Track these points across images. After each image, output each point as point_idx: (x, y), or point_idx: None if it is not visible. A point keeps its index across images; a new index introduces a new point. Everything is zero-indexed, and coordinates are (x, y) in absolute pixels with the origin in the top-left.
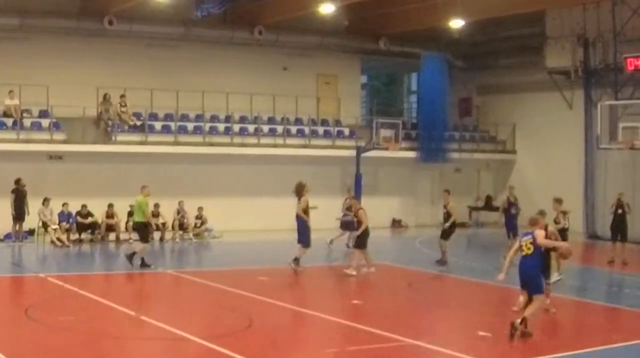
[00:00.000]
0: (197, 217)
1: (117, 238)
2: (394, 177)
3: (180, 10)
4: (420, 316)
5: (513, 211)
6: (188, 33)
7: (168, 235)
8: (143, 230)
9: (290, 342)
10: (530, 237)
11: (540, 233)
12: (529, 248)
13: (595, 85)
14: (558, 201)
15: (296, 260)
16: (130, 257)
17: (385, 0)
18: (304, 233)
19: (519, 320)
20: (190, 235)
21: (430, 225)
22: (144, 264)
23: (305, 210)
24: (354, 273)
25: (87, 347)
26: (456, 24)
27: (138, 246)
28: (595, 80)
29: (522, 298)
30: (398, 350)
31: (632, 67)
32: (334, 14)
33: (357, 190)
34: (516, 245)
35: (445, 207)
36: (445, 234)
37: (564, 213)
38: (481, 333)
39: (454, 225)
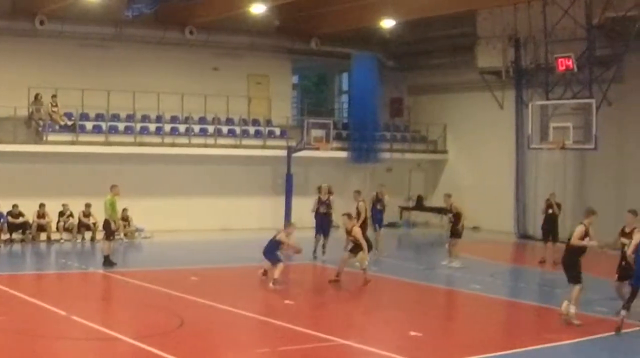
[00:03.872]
0: (122, 218)
1: (48, 238)
2: (325, 177)
3: (111, 10)
4: (352, 316)
5: (379, 206)
6: (119, 33)
7: (99, 235)
8: (108, 228)
9: (221, 342)
10: None
11: None
12: None
13: (526, 85)
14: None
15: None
16: (107, 258)
17: (316, 0)
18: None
19: None
20: (121, 235)
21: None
22: (108, 262)
23: None
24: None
25: (18, 347)
26: (387, 24)
27: (104, 245)
28: (526, 80)
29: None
30: (328, 350)
31: (563, 67)
32: (265, 14)
33: (288, 190)
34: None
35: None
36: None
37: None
38: (412, 333)
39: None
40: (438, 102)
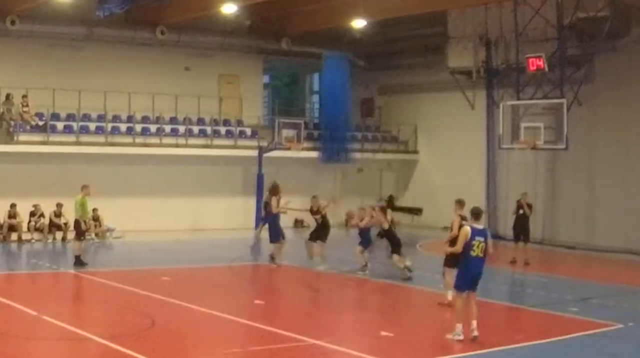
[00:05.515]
0: (93, 218)
1: (19, 238)
2: (296, 177)
3: (82, 10)
4: (323, 316)
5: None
6: (90, 33)
7: (70, 235)
8: (78, 228)
9: (192, 342)
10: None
11: None
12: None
13: (497, 85)
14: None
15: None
16: (78, 258)
17: (287, 0)
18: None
19: None
20: (92, 235)
21: (332, 226)
22: (79, 262)
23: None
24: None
25: None
26: (358, 24)
27: (75, 245)
28: (497, 81)
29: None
30: (299, 350)
31: (534, 67)
32: (236, 14)
33: (259, 190)
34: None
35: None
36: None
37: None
38: (383, 333)
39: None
40: (409, 102)
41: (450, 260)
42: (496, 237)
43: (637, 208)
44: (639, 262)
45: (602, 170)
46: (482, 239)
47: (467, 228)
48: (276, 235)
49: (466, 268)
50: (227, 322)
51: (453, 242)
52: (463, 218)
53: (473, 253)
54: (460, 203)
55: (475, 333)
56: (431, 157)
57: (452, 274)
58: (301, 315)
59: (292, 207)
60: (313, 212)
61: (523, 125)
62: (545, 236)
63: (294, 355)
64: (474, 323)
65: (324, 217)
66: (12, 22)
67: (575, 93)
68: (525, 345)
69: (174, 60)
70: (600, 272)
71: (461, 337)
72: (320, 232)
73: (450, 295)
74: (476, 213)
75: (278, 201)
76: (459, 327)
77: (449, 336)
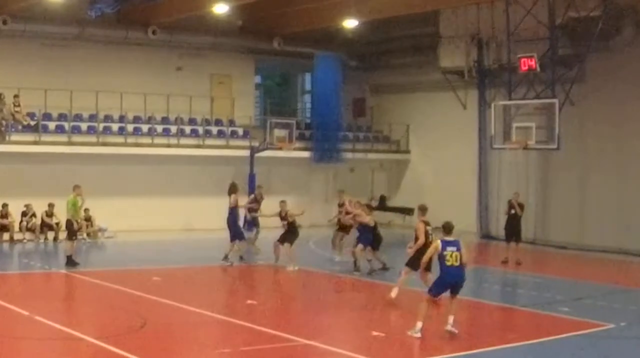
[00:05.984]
0: (85, 218)
1: (11, 238)
2: (288, 177)
3: (74, 10)
4: (315, 316)
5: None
6: (82, 33)
7: (62, 235)
8: (70, 227)
9: (184, 342)
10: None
11: None
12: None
13: (489, 85)
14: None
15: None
16: (70, 258)
17: (279, 0)
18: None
19: None
20: (84, 235)
21: (324, 226)
22: (70, 262)
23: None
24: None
25: None
26: (350, 24)
27: (67, 245)
28: (489, 80)
29: None
30: (291, 350)
31: (526, 67)
32: (227, 14)
33: (251, 190)
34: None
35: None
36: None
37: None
38: (375, 333)
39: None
40: (401, 102)
41: (413, 263)
42: (488, 237)
43: (628, 208)
44: (631, 261)
45: (594, 170)
46: (454, 249)
47: (437, 242)
48: (237, 234)
49: (442, 277)
50: (218, 322)
51: (421, 250)
52: (426, 223)
53: (448, 263)
54: (422, 209)
55: (450, 328)
56: (423, 157)
57: (410, 274)
58: (293, 315)
59: (265, 214)
60: (281, 217)
61: (515, 125)
62: (537, 236)
63: (285, 355)
64: (451, 318)
65: (291, 224)
66: (4, 22)
67: (567, 93)
68: (517, 345)
69: (165, 60)
70: (592, 272)
71: (419, 335)
72: (288, 236)
73: (394, 292)
74: (447, 229)
75: (236, 200)
76: (419, 325)
77: (409, 332)
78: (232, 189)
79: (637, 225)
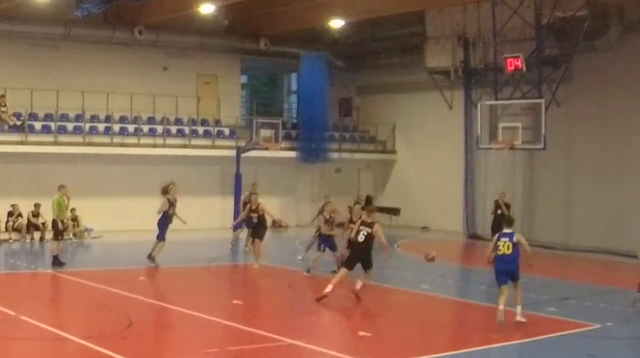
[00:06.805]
0: (71, 218)
1: None
2: (274, 177)
3: (60, 10)
4: (301, 317)
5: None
6: (68, 33)
7: (48, 235)
8: (55, 227)
9: (170, 342)
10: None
11: None
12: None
13: (475, 85)
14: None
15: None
16: (56, 258)
17: (265, 0)
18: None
19: None
20: (70, 235)
21: (311, 226)
22: (56, 262)
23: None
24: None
25: None
26: (336, 24)
27: (53, 245)
28: (475, 81)
29: None
30: (277, 350)
31: (512, 68)
32: (214, 14)
33: (237, 191)
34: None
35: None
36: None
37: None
38: (361, 333)
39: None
40: (387, 102)
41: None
42: (474, 236)
43: (614, 208)
44: (617, 261)
45: (580, 170)
46: (507, 240)
47: (495, 236)
48: (161, 234)
49: (495, 266)
50: (205, 322)
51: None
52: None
53: (500, 253)
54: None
55: (519, 317)
56: (409, 157)
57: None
58: (279, 315)
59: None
60: (252, 210)
61: (501, 125)
62: (523, 236)
63: (272, 355)
64: (519, 308)
65: (261, 217)
66: None
67: (553, 93)
68: (503, 345)
69: (152, 60)
70: (578, 272)
71: None
72: (257, 230)
73: (359, 284)
74: (508, 222)
75: (169, 201)
76: None
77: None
78: (165, 191)
79: (623, 225)
